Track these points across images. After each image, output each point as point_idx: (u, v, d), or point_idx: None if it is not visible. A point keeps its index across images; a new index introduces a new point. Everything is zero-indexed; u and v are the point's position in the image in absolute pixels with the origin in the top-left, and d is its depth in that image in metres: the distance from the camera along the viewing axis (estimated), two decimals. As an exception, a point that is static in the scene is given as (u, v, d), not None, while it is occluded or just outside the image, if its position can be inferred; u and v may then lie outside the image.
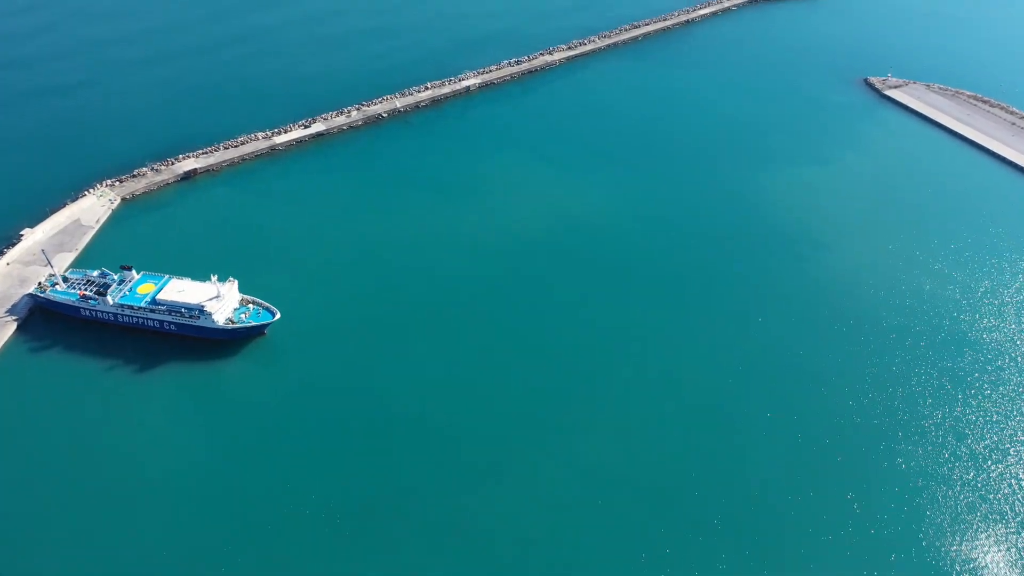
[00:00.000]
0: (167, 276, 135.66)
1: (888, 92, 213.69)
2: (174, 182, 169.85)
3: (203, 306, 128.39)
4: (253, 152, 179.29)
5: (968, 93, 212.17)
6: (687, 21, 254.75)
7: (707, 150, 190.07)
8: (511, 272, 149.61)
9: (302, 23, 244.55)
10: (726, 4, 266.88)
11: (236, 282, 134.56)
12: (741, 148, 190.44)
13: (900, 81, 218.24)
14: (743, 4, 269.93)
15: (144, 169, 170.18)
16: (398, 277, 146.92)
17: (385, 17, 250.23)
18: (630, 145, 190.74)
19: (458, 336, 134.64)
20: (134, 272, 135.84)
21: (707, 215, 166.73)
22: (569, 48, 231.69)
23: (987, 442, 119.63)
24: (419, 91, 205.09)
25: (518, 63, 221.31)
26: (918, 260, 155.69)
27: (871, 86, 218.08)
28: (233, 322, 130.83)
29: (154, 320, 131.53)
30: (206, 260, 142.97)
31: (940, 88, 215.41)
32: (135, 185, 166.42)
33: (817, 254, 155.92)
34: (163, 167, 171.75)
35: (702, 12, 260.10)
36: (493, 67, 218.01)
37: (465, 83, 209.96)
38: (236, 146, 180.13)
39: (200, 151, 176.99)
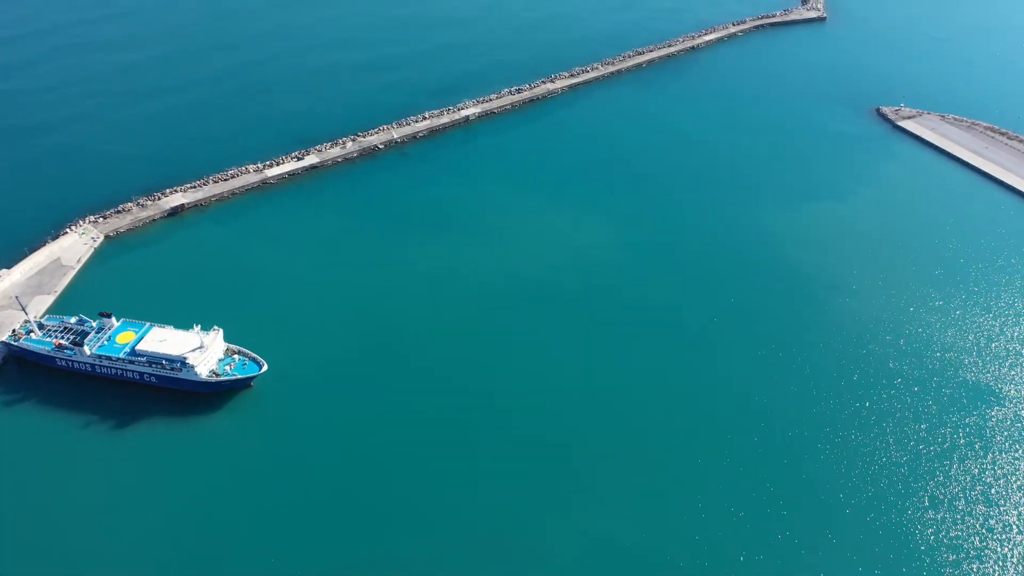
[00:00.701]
0: (148, 324, 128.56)
1: (901, 123, 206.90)
2: (161, 218, 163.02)
3: (185, 358, 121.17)
4: (244, 186, 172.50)
5: (984, 124, 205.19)
6: (692, 47, 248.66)
7: (714, 181, 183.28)
8: (514, 314, 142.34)
9: (295, 54, 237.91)
10: (732, 30, 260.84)
11: (221, 331, 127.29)
12: (749, 180, 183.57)
13: (913, 111, 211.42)
14: (749, 30, 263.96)
15: (129, 204, 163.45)
16: (395, 321, 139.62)
17: (383, 47, 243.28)
18: (636, 177, 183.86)
19: (460, 388, 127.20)
20: (114, 319, 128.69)
21: (715, 252, 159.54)
22: (572, 76, 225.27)
23: (1022, 510, 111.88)
24: (417, 121, 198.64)
25: (519, 91, 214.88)
26: (937, 305, 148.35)
27: (883, 116, 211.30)
28: (217, 374, 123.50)
29: (133, 372, 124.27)
30: (191, 304, 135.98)
31: (955, 119, 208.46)
32: (119, 222, 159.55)
33: (831, 297, 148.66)
34: (149, 202, 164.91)
35: (707, 38, 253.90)
36: (493, 96, 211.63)
37: (464, 112, 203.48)
38: (226, 179, 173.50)
39: (188, 185, 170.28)
